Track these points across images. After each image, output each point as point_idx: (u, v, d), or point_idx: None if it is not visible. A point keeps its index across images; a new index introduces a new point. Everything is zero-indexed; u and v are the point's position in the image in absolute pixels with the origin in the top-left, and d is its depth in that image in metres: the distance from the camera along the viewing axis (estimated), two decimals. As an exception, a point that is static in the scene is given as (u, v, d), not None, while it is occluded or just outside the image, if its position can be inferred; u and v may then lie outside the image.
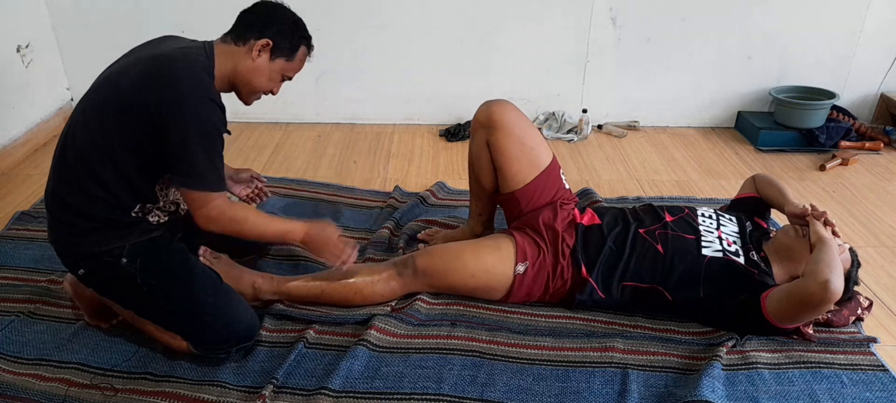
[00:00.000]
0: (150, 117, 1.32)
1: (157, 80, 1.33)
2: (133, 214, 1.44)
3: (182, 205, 1.55)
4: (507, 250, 1.68)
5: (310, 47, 1.54)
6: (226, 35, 1.47)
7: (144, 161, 1.39)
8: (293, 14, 1.50)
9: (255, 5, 1.49)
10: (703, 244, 1.65)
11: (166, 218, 1.51)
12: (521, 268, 1.66)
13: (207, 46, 1.44)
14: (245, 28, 1.45)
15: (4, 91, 2.61)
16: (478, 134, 1.76)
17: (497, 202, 1.87)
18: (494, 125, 1.70)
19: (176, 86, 1.32)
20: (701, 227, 1.70)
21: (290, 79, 1.54)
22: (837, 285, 1.39)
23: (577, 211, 1.76)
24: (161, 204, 1.48)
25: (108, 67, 1.47)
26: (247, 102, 1.54)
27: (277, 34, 1.45)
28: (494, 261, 1.68)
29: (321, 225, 1.56)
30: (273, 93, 1.54)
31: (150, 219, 1.48)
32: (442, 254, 1.72)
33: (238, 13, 1.48)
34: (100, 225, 1.41)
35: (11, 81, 2.64)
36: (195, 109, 1.33)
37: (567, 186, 1.81)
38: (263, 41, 1.43)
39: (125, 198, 1.41)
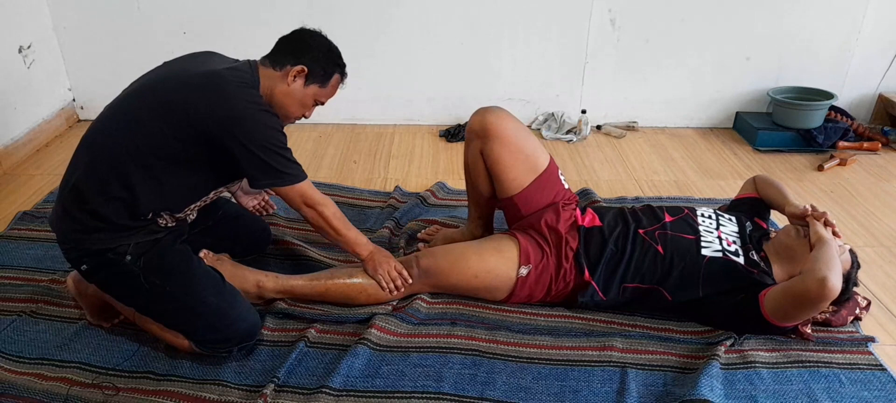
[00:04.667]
0: (208, 134, 1.38)
1: (213, 99, 1.38)
2: (143, 219, 1.45)
3: (190, 215, 1.57)
4: (510, 252, 1.68)
5: (343, 75, 1.60)
6: (264, 58, 1.53)
7: (185, 169, 1.44)
8: (328, 42, 1.56)
9: (292, 32, 1.55)
10: (703, 244, 1.65)
11: (174, 224, 1.53)
12: (524, 271, 1.66)
13: (252, 65, 1.50)
14: (281, 54, 1.51)
15: (6, 92, 2.61)
16: (472, 143, 1.75)
17: (495, 206, 1.87)
18: (489, 134, 1.69)
19: (233, 105, 1.39)
20: (700, 227, 1.70)
21: (322, 104, 1.61)
22: (835, 283, 1.39)
23: (578, 211, 1.76)
24: (170, 212, 1.49)
25: (144, 77, 1.51)
26: None
27: (312, 61, 1.51)
28: (497, 263, 1.68)
29: (385, 253, 1.71)
30: (305, 117, 1.61)
31: (159, 222, 1.49)
32: (445, 255, 1.72)
33: (276, 40, 1.54)
34: (108, 227, 1.43)
35: (13, 82, 2.65)
36: (255, 121, 1.41)
37: (567, 186, 1.81)
38: (299, 67, 1.49)
39: (144, 205, 1.43)
